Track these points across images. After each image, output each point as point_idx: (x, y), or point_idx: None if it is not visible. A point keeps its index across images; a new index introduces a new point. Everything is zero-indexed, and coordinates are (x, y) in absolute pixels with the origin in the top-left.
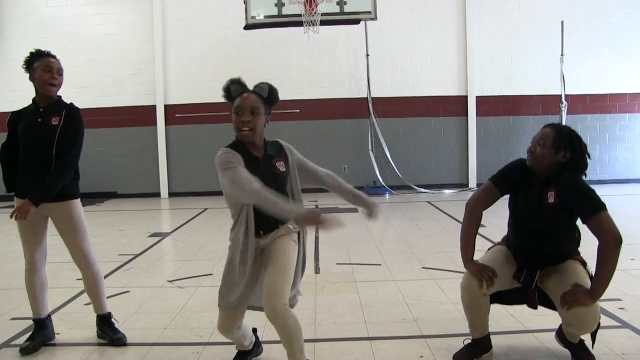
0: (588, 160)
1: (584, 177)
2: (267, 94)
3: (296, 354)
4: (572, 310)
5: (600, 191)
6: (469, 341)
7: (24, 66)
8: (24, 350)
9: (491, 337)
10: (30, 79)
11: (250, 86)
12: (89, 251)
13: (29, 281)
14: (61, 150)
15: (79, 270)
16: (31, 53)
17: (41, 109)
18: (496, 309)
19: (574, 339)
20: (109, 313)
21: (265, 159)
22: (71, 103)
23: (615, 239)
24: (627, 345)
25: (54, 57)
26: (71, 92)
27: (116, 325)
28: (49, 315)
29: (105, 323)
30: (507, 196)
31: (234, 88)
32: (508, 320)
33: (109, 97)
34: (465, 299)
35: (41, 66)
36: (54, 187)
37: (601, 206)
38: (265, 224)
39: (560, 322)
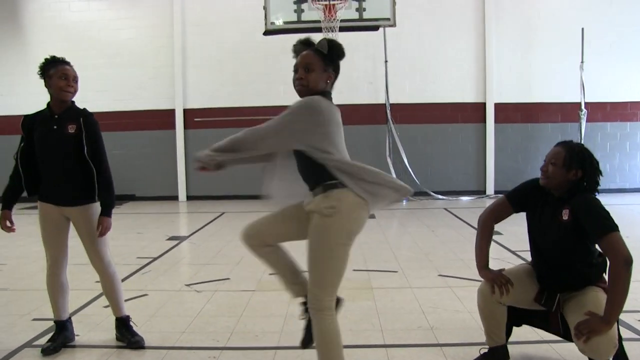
0: (600, 177)
1: (598, 194)
2: (327, 50)
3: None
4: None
5: (621, 200)
6: (485, 350)
7: (39, 72)
8: (45, 351)
9: (509, 346)
10: (46, 85)
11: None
12: (106, 254)
13: (50, 284)
14: (92, 158)
15: (97, 273)
16: (46, 59)
17: (56, 116)
18: None
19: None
20: (128, 316)
21: None
22: (84, 109)
23: (626, 261)
24: None
25: (69, 64)
26: (91, 95)
27: (135, 328)
28: (70, 317)
29: (123, 326)
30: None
31: (296, 48)
32: (524, 329)
33: (128, 101)
34: (481, 306)
35: (57, 73)
36: (112, 198)
37: (613, 227)
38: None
39: None
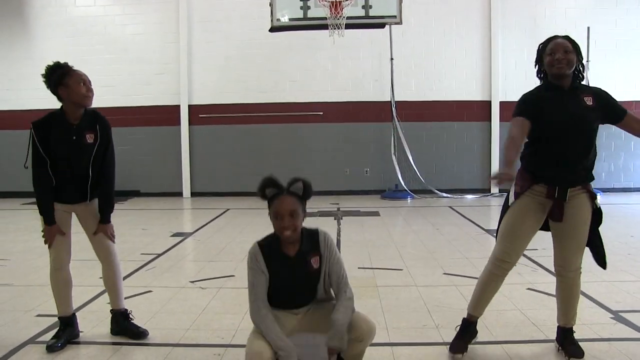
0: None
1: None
2: (302, 192)
3: None
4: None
5: (626, 199)
6: (459, 326)
7: (47, 80)
8: (50, 348)
9: (513, 345)
10: (58, 92)
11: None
12: (112, 244)
13: (54, 279)
14: (96, 162)
15: (101, 263)
16: (52, 68)
17: (74, 125)
18: (519, 319)
19: (566, 320)
20: (126, 309)
21: (298, 256)
22: (98, 112)
23: None
24: None
25: (78, 70)
26: (97, 90)
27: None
28: (74, 313)
29: (124, 318)
30: None
31: (269, 191)
32: (530, 328)
33: (134, 97)
34: (499, 274)
35: (75, 80)
36: (112, 197)
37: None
38: (297, 303)
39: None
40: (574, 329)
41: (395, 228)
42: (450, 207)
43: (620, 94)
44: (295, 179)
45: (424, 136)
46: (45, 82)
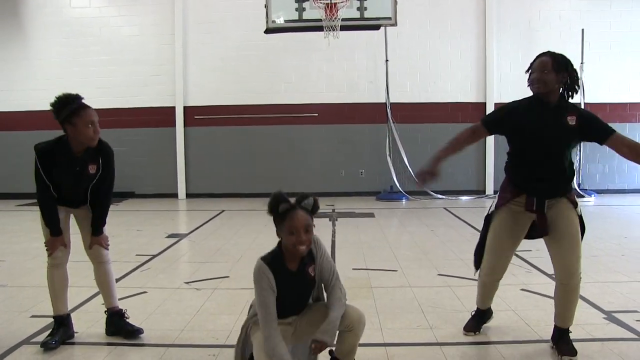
0: (578, 79)
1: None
2: (312, 208)
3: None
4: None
5: (620, 201)
6: (474, 312)
7: (56, 113)
8: (45, 345)
9: (507, 346)
10: (65, 126)
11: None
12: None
13: (50, 277)
14: (102, 189)
15: (92, 263)
16: (62, 101)
17: (78, 156)
18: (512, 319)
19: (563, 322)
20: (121, 309)
21: (299, 269)
22: (102, 141)
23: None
24: None
25: (89, 106)
26: (92, 92)
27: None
28: (69, 314)
29: (120, 318)
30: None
31: (282, 207)
32: (524, 329)
33: (129, 98)
34: (487, 282)
35: (83, 121)
36: (105, 217)
37: (614, 130)
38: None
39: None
40: (570, 330)
41: (390, 229)
42: (445, 208)
43: (614, 96)
44: (305, 195)
45: (419, 138)
46: (54, 113)
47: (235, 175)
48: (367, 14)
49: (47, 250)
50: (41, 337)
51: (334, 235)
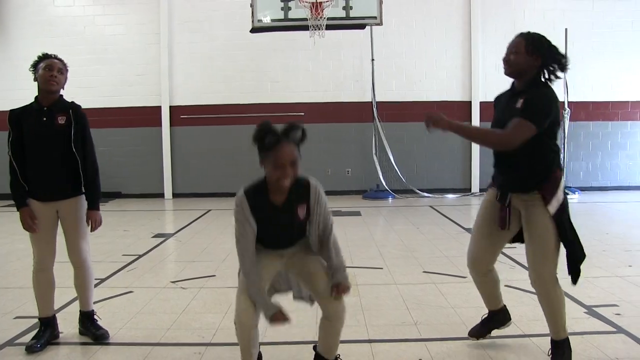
0: (564, 61)
1: (554, 81)
2: (299, 140)
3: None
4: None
5: (602, 198)
6: (486, 315)
7: (32, 69)
8: (30, 349)
9: (490, 341)
10: (35, 80)
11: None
12: (85, 248)
13: (36, 281)
14: (70, 147)
15: (73, 266)
16: (38, 57)
17: (45, 108)
18: None
19: (552, 333)
20: (93, 310)
21: (285, 205)
22: (73, 102)
23: (506, 141)
24: (621, 350)
25: (58, 58)
26: (77, 91)
27: (99, 322)
28: (54, 315)
29: (88, 319)
30: None
31: (268, 139)
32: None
33: (114, 97)
34: (472, 277)
35: (42, 66)
36: (99, 184)
37: (533, 119)
38: (284, 246)
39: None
40: (569, 342)
41: (376, 227)
42: (431, 206)
43: (596, 95)
44: (293, 125)
45: (405, 136)
46: (32, 72)
47: (221, 175)
48: (352, 13)
49: (25, 228)
50: (25, 339)
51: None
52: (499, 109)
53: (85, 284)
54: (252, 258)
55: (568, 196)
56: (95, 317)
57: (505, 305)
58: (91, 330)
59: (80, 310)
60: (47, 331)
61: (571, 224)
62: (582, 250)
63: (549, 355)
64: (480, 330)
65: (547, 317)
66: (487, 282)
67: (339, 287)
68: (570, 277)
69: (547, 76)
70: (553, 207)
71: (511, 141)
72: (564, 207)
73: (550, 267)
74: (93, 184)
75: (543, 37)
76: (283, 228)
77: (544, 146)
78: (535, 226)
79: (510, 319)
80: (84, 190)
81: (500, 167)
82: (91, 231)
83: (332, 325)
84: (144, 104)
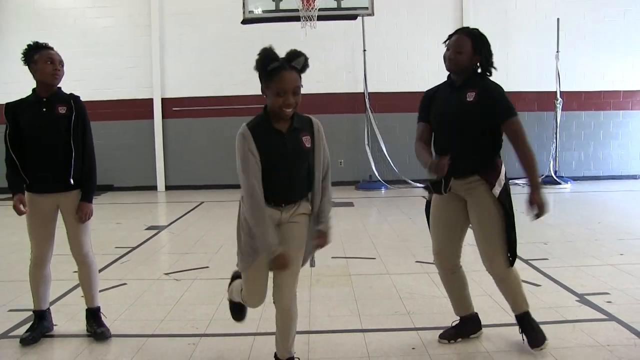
0: (492, 61)
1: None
2: (302, 67)
3: (289, 342)
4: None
5: (594, 187)
6: (457, 321)
7: (23, 58)
8: (25, 341)
9: (484, 329)
10: (31, 71)
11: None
12: (87, 243)
13: (33, 275)
14: (77, 139)
15: (75, 262)
16: (29, 45)
17: (44, 99)
18: (488, 303)
19: (516, 308)
20: (99, 307)
21: (290, 132)
22: (72, 93)
23: (525, 141)
24: (612, 337)
25: (53, 49)
26: (68, 84)
27: (104, 320)
28: (48, 308)
29: (92, 316)
30: None
31: (271, 66)
32: (499, 313)
33: (105, 90)
34: (440, 275)
35: (42, 58)
36: (95, 177)
37: (514, 112)
38: (288, 196)
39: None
40: (530, 313)
41: (369, 218)
42: (423, 196)
43: (589, 85)
44: (295, 52)
45: (398, 127)
46: (23, 60)
47: (214, 167)
48: (344, 4)
49: (17, 213)
50: (19, 331)
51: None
52: (440, 103)
53: (88, 279)
54: (261, 192)
55: (561, 185)
56: (101, 314)
57: (476, 313)
58: (93, 327)
59: (86, 309)
60: (41, 324)
61: (513, 210)
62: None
63: (523, 338)
64: (452, 334)
65: (507, 298)
66: (454, 281)
67: (320, 238)
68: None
69: (480, 70)
70: (497, 190)
71: (525, 136)
72: (507, 192)
73: (502, 251)
74: (89, 176)
75: (484, 36)
76: (290, 158)
77: (488, 138)
78: (482, 210)
79: (481, 328)
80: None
81: (443, 154)
82: (79, 222)
83: (280, 318)
84: (135, 97)
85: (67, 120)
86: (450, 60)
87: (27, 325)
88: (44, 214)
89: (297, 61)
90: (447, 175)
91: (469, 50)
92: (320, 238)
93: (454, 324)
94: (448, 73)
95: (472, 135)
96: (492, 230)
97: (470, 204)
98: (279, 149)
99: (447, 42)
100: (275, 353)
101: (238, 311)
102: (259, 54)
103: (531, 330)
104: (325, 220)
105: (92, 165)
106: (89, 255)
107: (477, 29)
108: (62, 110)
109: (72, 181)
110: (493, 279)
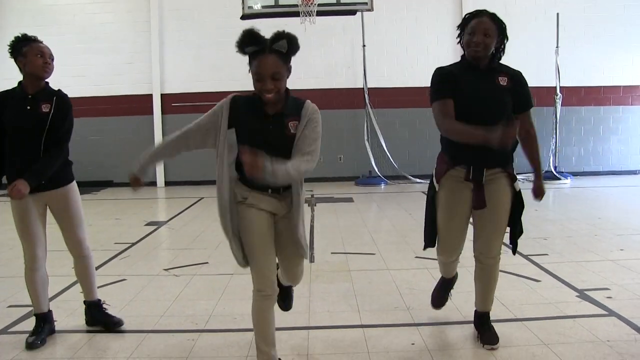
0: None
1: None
2: (287, 49)
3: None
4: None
5: (594, 182)
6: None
7: (10, 50)
8: (32, 346)
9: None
10: (18, 64)
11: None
12: (84, 239)
13: (30, 279)
14: (51, 136)
15: (73, 257)
16: (17, 38)
17: (30, 96)
18: None
19: (483, 305)
20: (99, 299)
21: (276, 116)
22: (59, 90)
23: (535, 132)
24: (612, 332)
25: (42, 42)
26: (67, 80)
27: (108, 310)
28: (50, 310)
29: (97, 309)
30: None
31: (249, 49)
32: (499, 309)
33: (105, 86)
34: (449, 263)
35: (33, 51)
36: (45, 172)
37: (533, 104)
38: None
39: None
40: (489, 315)
41: (368, 214)
42: (423, 192)
43: (588, 80)
44: (279, 34)
45: (397, 122)
46: (9, 52)
47: (213, 163)
48: None
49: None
50: (19, 327)
51: (313, 220)
52: (469, 86)
53: (86, 273)
54: (182, 137)
55: (561, 181)
56: (105, 305)
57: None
58: (104, 319)
59: (84, 301)
60: (45, 327)
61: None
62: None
63: (477, 335)
64: (444, 297)
65: (484, 291)
66: (456, 261)
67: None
68: (511, 250)
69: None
70: (518, 185)
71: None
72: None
73: (501, 241)
74: (45, 165)
75: (500, 18)
76: (272, 141)
77: None
78: (501, 200)
79: (457, 275)
80: (72, 178)
81: (474, 146)
82: (9, 195)
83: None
84: (135, 93)
85: (50, 119)
86: (478, 45)
87: (27, 322)
88: (32, 213)
89: (278, 44)
90: (483, 166)
91: (496, 34)
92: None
93: (437, 286)
94: (461, 56)
95: (507, 120)
96: (501, 220)
97: (491, 192)
98: (263, 132)
99: (466, 26)
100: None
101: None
102: (240, 35)
103: (488, 330)
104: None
105: (54, 159)
106: (87, 248)
107: (494, 13)
108: (45, 108)
109: (59, 179)
110: (483, 265)
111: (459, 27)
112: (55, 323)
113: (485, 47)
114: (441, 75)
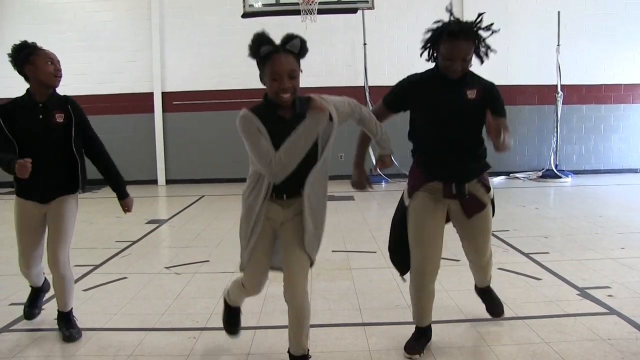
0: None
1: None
2: (299, 50)
3: (303, 339)
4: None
5: (595, 181)
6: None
7: (13, 60)
8: (31, 316)
9: (483, 323)
10: (25, 72)
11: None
12: (64, 254)
13: (25, 274)
14: (79, 146)
15: (51, 271)
16: (19, 46)
17: (40, 104)
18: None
19: (482, 282)
20: (71, 310)
21: (294, 119)
22: (68, 96)
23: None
24: (613, 331)
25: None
26: (68, 79)
27: (111, 311)
28: (45, 278)
29: (63, 319)
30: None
31: (264, 49)
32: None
33: (106, 84)
34: (424, 288)
35: (42, 59)
36: (119, 174)
37: (505, 113)
38: (289, 188)
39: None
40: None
41: (369, 212)
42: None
43: (589, 78)
44: (291, 35)
45: (398, 121)
46: (12, 61)
47: (214, 161)
48: None
49: (20, 174)
50: (20, 325)
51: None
52: (438, 97)
53: (61, 288)
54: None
55: (561, 179)
56: (73, 317)
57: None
58: (61, 329)
59: (57, 310)
60: (40, 295)
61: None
62: None
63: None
64: (420, 346)
65: (482, 273)
66: (431, 293)
67: (382, 160)
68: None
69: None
70: (492, 193)
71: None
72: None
73: (490, 243)
74: (118, 177)
75: (481, 27)
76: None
77: (482, 138)
78: (484, 212)
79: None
80: (111, 187)
81: (453, 158)
82: (125, 211)
83: (294, 315)
84: (135, 91)
85: (65, 129)
86: (456, 72)
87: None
88: (33, 221)
89: (291, 44)
90: (462, 180)
91: (473, 52)
92: (381, 162)
93: (413, 334)
94: (434, 65)
95: (474, 136)
96: (487, 228)
97: (471, 199)
98: (283, 138)
99: (440, 45)
100: (288, 349)
101: (233, 320)
102: (252, 39)
103: (492, 300)
104: (383, 145)
105: (114, 166)
106: (64, 265)
107: (470, 24)
108: (59, 118)
109: (81, 191)
110: (477, 266)
111: (428, 40)
112: (50, 322)
113: (463, 70)
114: (406, 86)
